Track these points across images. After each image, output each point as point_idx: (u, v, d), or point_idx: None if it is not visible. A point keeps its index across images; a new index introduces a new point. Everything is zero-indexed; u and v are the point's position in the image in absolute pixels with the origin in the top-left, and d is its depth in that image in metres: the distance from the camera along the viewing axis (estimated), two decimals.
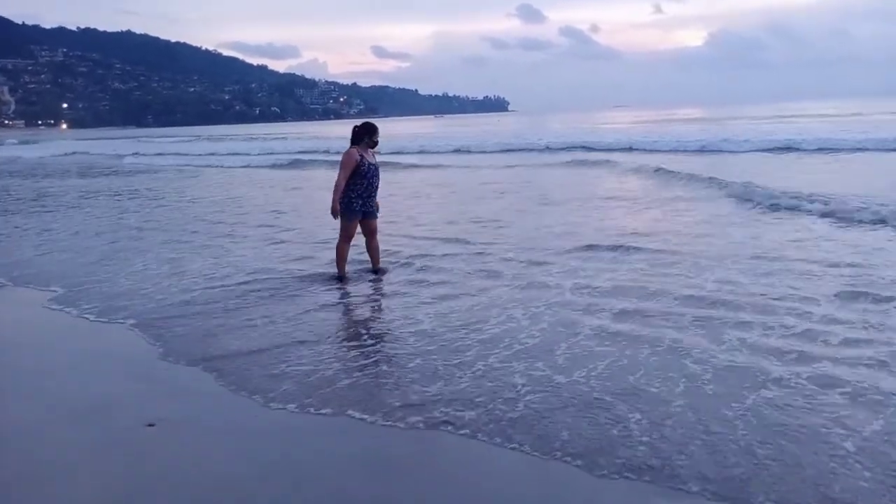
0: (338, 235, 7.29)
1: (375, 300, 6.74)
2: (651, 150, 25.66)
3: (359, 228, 7.31)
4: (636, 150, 26.44)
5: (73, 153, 45.35)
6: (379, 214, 7.43)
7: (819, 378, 4.34)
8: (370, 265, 7.59)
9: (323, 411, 4.13)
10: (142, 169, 29.69)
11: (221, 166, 29.32)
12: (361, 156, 6.96)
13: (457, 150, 31.99)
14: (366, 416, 4.02)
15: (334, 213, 7.01)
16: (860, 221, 9.36)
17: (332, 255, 7.54)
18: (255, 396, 4.37)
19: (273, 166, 27.52)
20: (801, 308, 5.71)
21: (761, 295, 6.14)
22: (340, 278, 7.16)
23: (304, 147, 39.00)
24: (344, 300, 6.68)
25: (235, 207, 14.54)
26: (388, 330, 5.72)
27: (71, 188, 20.99)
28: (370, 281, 7.31)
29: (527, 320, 5.74)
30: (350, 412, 4.08)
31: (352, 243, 7.34)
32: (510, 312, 5.96)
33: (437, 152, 31.57)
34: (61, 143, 60.07)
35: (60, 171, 30.28)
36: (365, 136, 7.05)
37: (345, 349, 5.27)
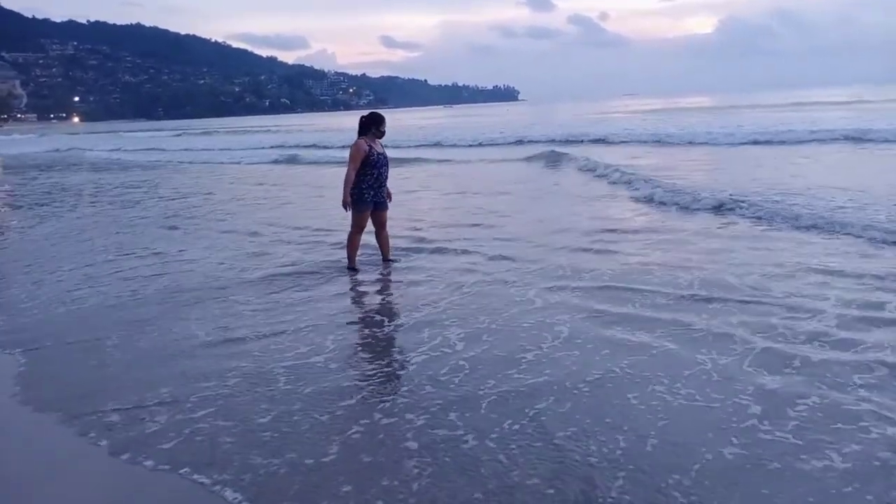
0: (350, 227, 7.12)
1: (313, 313, 5.69)
2: (631, 142, 23.54)
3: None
4: (619, 142, 24.00)
5: (57, 150, 42.26)
6: (390, 203, 7.33)
7: None
8: (351, 261, 7.21)
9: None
10: (131, 165, 28.82)
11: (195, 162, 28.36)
12: (370, 146, 6.90)
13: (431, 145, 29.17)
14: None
15: (345, 205, 6.93)
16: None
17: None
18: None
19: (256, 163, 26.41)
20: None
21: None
22: (352, 269, 7.06)
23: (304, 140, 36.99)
24: (267, 315, 5.64)
25: (203, 203, 13.56)
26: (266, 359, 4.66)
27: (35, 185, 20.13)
28: (359, 275, 6.82)
29: (461, 343, 4.71)
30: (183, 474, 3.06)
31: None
32: (446, 333, 4.93)
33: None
34: (55, 139, 58.69)
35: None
36: (372, 126, 6.99)
37: (200, 392, 4.10)
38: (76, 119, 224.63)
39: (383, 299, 6.04)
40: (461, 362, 4.37)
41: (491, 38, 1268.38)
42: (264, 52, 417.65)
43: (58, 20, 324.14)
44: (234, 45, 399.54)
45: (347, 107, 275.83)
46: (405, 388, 4.00)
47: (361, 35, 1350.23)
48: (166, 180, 19.25)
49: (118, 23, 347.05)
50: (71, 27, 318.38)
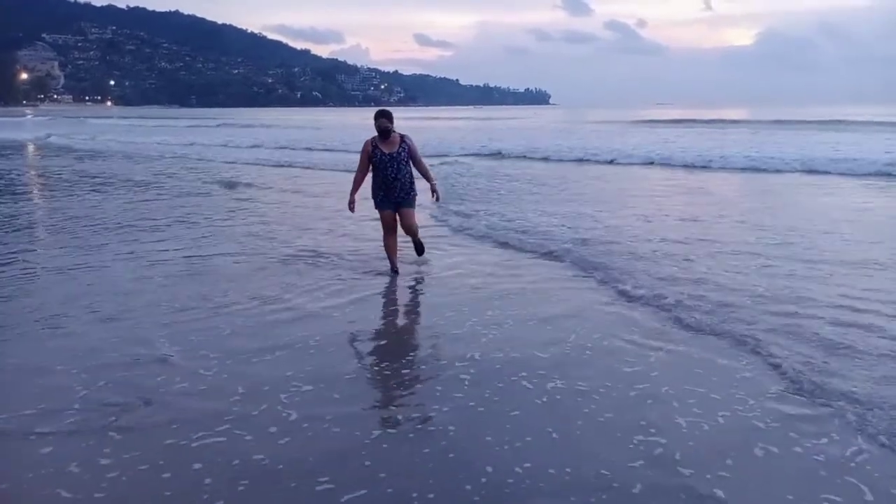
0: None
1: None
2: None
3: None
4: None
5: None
6: (435, 201, 7.14)
7: None
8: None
9: None
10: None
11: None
12: (374, 147, 6.66)
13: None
14: None
15: (349, 206, 6.86)
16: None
17: None
18: None
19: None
20: None
21: None
22: (395, 272, 6.88)
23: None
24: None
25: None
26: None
27: None
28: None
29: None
30: None
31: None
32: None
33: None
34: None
35: None
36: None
37: None
38: (110, 103, 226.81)
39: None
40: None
41: (526, 41, 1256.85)
42: (299, 45, 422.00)
43: (98, 4, 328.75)
44: (270, 36, 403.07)
45: (378, 103, 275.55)
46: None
47: (397, 32, 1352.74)
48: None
49: (157, 9, 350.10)
50: (111, 11, 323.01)
